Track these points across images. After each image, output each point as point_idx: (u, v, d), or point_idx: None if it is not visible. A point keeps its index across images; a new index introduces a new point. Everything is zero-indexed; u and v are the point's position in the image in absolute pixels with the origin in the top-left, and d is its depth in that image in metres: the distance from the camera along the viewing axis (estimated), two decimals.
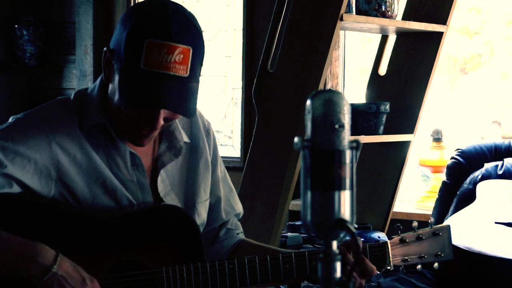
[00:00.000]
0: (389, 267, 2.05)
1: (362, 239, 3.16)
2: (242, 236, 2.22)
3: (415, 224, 2.09)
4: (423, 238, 2.08)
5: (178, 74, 1.82)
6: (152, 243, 1.96)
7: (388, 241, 2.05)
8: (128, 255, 1.93)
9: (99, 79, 2.00)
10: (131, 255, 1.94)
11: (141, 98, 1.82)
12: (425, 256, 2.08)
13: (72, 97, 2.01)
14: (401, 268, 2.07)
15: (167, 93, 1.81)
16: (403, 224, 2.13)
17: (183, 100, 1.84)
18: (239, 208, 2.24)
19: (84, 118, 1.95)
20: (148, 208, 1.98)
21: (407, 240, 2.07)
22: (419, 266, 2.09)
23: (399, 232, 2.07)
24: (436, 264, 2.10)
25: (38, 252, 1.79)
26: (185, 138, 2.07)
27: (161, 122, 1.88)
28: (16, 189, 1.87)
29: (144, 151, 2.01)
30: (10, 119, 1.94)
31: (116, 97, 1.86)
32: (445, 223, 2.85)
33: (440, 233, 2.11)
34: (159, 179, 2.02)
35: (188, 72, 1.83)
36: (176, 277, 1.92)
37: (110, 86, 1.91)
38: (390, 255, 2.05)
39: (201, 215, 2.10)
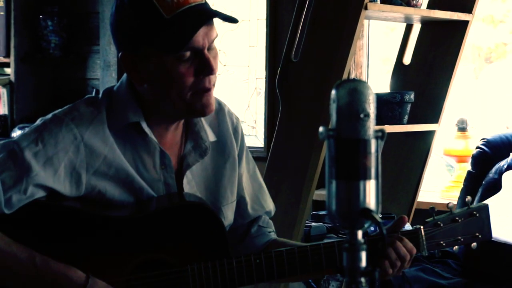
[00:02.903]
0: (423, 253, 2.00)
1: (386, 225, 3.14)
2: (274, 235, 2.18)
3: (450, 204, 2.02)
4: (459, 220, 2.02)
5: (197, 2, 1.87)
6: (177, 240, 1.94)
7: (421, 227, 1.99)
8: (153, 254, 1.92)
9: (125, 76, 1.98)
10: (156, 254, 1.92)
11: (184, 33, 1.83)
12: (462, 239, 2.02)
13: (100, 95, 1.99)
14: (436, 251, 2.02)
15: (198, 13, 1.85)
16: (428, 214, 2.06)
17: (214, 12, 1.88)
18: (269, 206, 2.20)
19: (114, 118, 1.93)
20: (171, 206, 1.97)
21: (441, 225, 2.01)
22: (455, 248, 2.03)
23: (434, 215, 2.01)
24: (474, 244, 2.03)
25: (70, 277, 1.82)
26: (212, 138, 2.04)
27: (211, 59, 1.88)
28: (42, 193, 1.87)
29: (170, 150, 1.99)
30: (38, 121, 1.92)
31: (162, 74, 1.87)
32: None
33: (478, 214, 2.04)
34: (184, 180, 2.00)
35: None
36: (202, 274, 1.90)
37: (150, 79, 1.91)
38: (424, 241, 2.00)
39: (228, 217, 2.08)
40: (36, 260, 1.82)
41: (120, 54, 1.92)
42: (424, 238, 2.00)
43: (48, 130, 1.88)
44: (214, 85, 1.91)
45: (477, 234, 2.04)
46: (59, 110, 1.95)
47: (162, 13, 1.83)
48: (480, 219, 2.04)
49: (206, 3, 1.89)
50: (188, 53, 1.86)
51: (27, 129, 1.91)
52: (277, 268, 1.94)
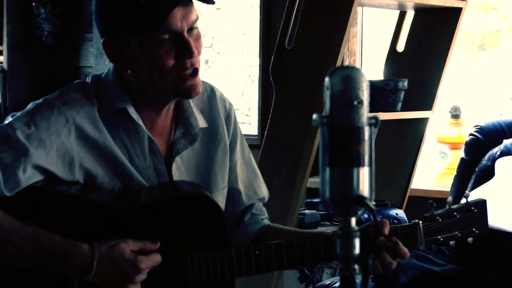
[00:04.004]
0: (421, 247, 1.97)
1: (380, 216, 3.14)
2: (267, 221, 2.17)
3: (449, 199, 2.00)
4: (457, 215, 2.00)
5: None
6: (177, 230, 1.93)
7: (420, 222, 1.96)
8: None
9: (111, 65, 1.99)
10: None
11: (158, 16, 1.82)
12: (459, 234, 2.00)
13: (89, 81, 1.99)
14: (433, 246, 1.99)
15: None
16: (421, 201, 2.06)
17: None
18: (263, 192, 2.20)
19: (103, 104, 1.94)
20: (171, 196, 1.97)
21: (440, 220, 1.98)
22: (452, 242, 2.00)
23: (432, 210, 1.99)
24: (470, 239, 2.01)
25: (77, 247, 1.81)
26: (202, 124, 2.04)
27: (191, 41, 1.87)
28: (39, 176, 1.87)
29: (160, 136, 2.00)
30: (30, 105, 1.93)
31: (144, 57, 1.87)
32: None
33: (475, 209, 2.02)
34: (174, 166, 2.00)
35: None
36: (201, 264, 1.90)
37: (132, 65, 1.91)
38: (422, 236, 1.97)
39: (219, 203, 2.07)
40: (40, 234, 1.82)
41: (102, 41, 1.93)
42: (422, 233, 1.97)
43: (40, 113, 1.89)
44: (199, 65, 1.91)
45: (474, 229, 2.02)
46: (50, 95, 1.95)
47: None
48: (478, 215, 2.02)
49: None
50: (166, 36, 1.86)
51: (19, 113, 1.92)
52: (275, 260, 1.93)
